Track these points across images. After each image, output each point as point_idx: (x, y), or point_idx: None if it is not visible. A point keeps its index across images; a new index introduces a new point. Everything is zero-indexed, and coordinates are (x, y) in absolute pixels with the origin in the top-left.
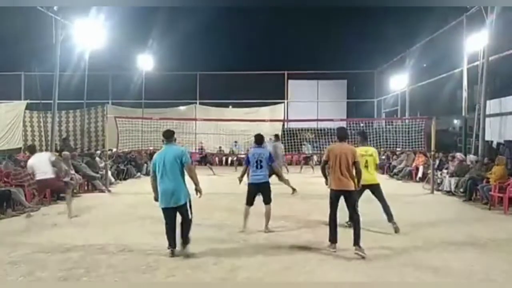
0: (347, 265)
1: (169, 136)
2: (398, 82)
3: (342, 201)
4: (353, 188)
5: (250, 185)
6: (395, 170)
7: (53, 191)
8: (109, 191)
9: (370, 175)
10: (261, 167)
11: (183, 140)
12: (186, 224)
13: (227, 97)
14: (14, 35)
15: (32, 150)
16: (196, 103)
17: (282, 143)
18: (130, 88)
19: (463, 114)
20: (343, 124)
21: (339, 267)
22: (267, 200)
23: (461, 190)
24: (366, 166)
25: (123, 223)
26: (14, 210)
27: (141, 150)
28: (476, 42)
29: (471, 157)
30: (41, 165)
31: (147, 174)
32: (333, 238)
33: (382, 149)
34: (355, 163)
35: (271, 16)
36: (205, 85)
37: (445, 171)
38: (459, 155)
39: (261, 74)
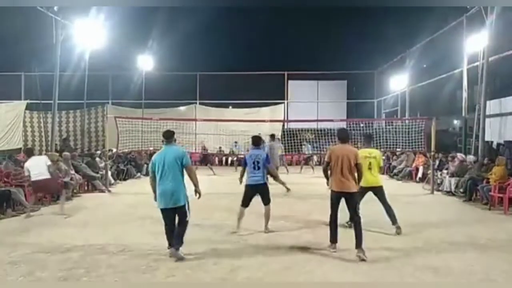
0: (347, 265)
1: (169, 136)
2: (398, 82)
3: (342, 202)
4: (354, 190)
5: (248, 186)
6: (395, 171)
7: (47, 192)
8: (109, 191)
9: (374, 178)
10: (259, 168)
11: (183, 140)
12: (182, 225)
13: (227, 98)
14: (14, 35)
15: (29, 153)
16: (196, 103)
17: (282, 143)
18: (130, 88)
19: (463, 114)
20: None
21: (339, 267)
22: (266, 201)
23: (461, 190)
24: (370, 168)
25: (123, 223)
26: (14, 210)
27: (141, 151)
28: (476, 43)
29: (469, 158)
30: (37, 167)
31: (147, 174)
32: (333, 239)
33: (382, 150)
34: (357, 165)
35: (271, 16)
36: (205, 85)
37: (445, 171)
38: (460, 155)
39: (261, 74)
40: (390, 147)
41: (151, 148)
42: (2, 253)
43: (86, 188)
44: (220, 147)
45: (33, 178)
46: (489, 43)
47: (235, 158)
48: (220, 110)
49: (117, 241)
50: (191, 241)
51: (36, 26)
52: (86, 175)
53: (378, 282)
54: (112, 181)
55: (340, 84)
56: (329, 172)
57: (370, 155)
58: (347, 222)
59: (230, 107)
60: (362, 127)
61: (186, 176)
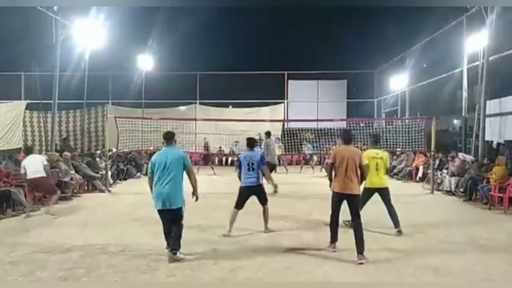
0: (347, 265)
1: (169, 138)
2: (398, 82)
3: (344, 204)
4: (357, 192)
5: (242, 188)
6: (395, 170)
7: (41, 191)
8: (109, 191)
9: (380, 179)
10: (253, 169)
11: (183, 140)
12: (178, 227)
13: (227, 97)
14: (14, 35)
15: (28, 151)
16: (196, 103)
17: (282, 143)
18: (130, 88)
19: (463, 114)
20: (343, 124)
21: (339, 267)
22: (263, 202)
23: (461, 190)
24: (377, 169)
25: (123, 223)
26: (14, 210)
27: (141, 150)
28: (476, 42)
29: (468, 157)
30: (33, 165)
31: (147, 174)
32: (333, 239)
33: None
34: (361, 167)
35: (271, 16)
36: (205, 85)
37: (445, 171)
38: (461, 155)
39: (261, 74)
40: (390, 147)
41: (151, 148)
42: (2, 253)
43: (86, 188)
44: (220, 147)
45: (29, 176)
46: (489, 42)
47: (235, 158)
48: (220, 110)
49: (117, 241)
50: (191, 241)
51: (36, 26)
52: (86, 175)
53: (378, 282)
54: (111, 182)
55: (340, 83)
56: (333, 174)
57: (377, 155)
58: (347, 221)
59: (230, 106)
60: (362, 126)
61: (184, 178)
